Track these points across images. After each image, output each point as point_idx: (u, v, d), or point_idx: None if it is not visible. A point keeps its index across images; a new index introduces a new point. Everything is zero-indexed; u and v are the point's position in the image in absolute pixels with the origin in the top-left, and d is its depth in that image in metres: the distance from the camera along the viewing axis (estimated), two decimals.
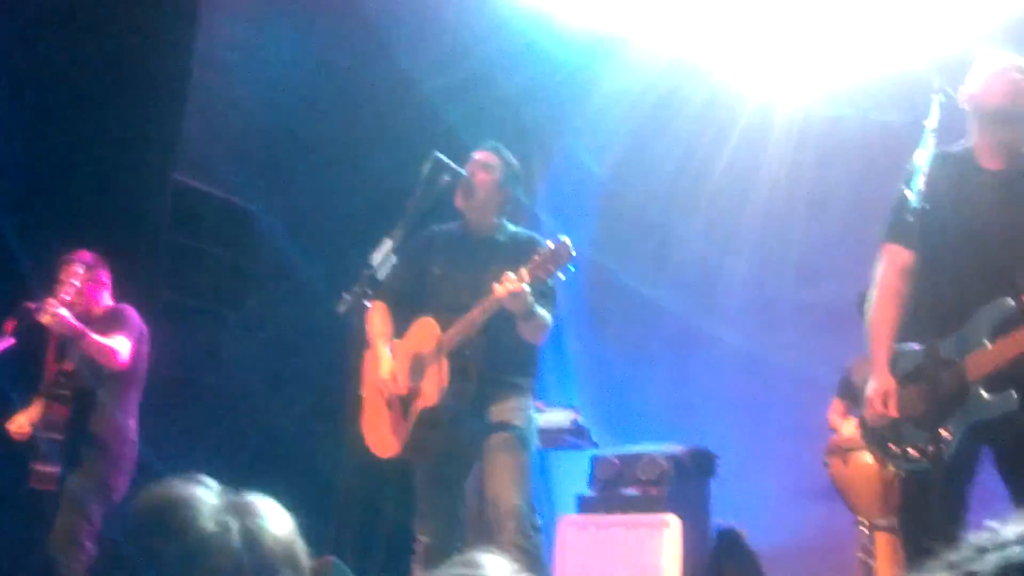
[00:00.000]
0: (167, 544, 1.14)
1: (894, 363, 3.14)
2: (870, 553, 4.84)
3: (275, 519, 1.20)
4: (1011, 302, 2.98)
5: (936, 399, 2.81)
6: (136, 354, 4.64)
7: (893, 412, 3.08)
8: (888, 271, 3.25)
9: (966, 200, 3.09)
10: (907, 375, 3.10)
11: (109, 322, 4.62)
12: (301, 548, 1.20)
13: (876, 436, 3.18)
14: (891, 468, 3.23)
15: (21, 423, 4.61)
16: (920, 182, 2.89)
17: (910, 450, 3.06)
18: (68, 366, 4.52)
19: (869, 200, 4.51)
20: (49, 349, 4.56)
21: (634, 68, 7.15)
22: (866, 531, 4.89)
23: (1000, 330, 2.97)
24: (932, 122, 3.01)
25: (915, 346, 3.11)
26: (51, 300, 4.44)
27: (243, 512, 1.19)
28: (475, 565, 0.90)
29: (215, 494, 1.21)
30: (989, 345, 2.96)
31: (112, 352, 4.50)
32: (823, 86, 6.30)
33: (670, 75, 6.98)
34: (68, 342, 4.51)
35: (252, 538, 1.16)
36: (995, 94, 3.13)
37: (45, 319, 4.41)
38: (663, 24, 6.75)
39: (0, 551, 5.01)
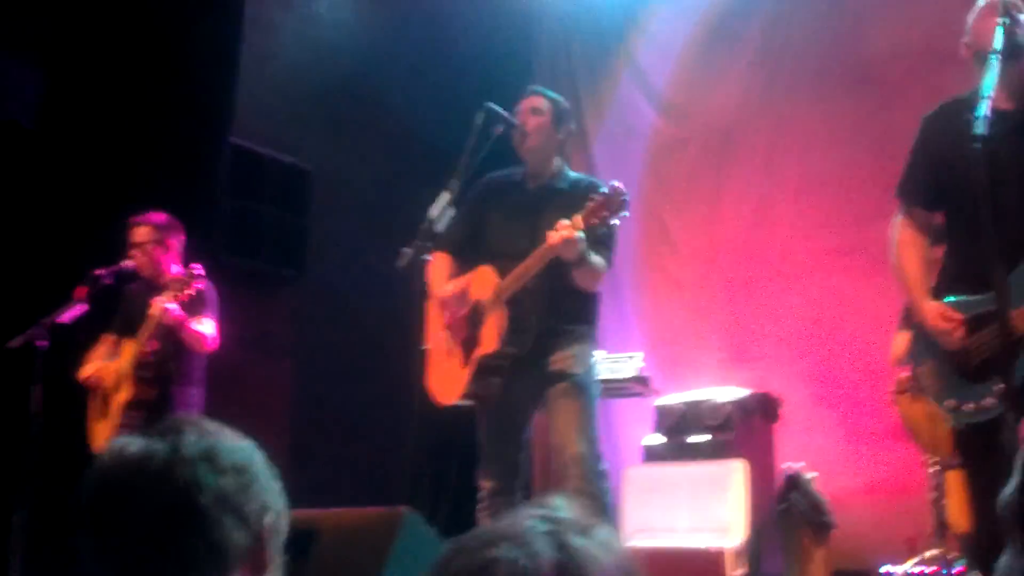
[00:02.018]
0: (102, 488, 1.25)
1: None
2: (941, 492, 4.79)
3: (200, 440, 1.26)
4: None
5: (988, 351, 2.85)
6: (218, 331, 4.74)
7: (958, 321, 3.04)
8: (904, 230, 3.26)
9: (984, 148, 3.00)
10: (969, 322, 3.06)
11: (193, 300, 4.67)
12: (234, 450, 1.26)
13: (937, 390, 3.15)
14: (956, 423, 3.17)
15: (94, 371, 4.73)
16: (987, 107, 2.82)
17: (949, 402, 3.04)
18: (155, 345, 4.60)
19: None
20: (144, 326, 4.61)
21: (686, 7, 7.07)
22: (936, 470, 4.84)
23: None
24: (996, 46, 2.93)
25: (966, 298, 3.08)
26: (159, 297, 4.50)
27: (175, 439, 1.28)
28: (548, 507, 0.90)
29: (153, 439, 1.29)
30: None
31: (204, 339, 4.62)
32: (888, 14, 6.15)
33: (722, 6, 6.88)
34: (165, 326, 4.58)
35: (176, 455, 1.25)
36: (986, 37, 3.06)
37: (155, 313, 4.51)
38: None
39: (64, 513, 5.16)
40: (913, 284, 3.22)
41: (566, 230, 3.48)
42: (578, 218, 3.50)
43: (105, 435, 4.58)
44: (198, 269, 4.52)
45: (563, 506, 0.90)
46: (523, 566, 0.82)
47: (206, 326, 4.64)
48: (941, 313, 3.09)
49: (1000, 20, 2.99)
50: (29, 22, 5.88)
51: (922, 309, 3.16)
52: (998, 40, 2.94)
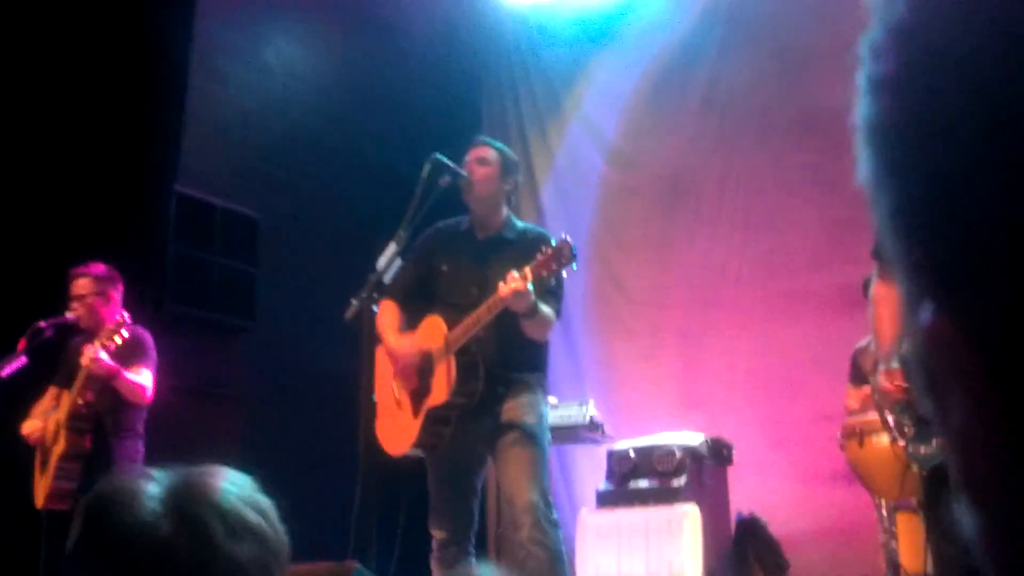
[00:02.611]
0: (101, 540, 1.13)
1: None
2: (892, 535, 4.81)
3: (217, 501, 1.15)
4: None
5: None
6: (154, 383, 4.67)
7: (897, 386, 3.13)
8: (879, 287, 3.35)
9: None
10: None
11: (130, 350, 4.60)
12: (253, 508, 1.14)
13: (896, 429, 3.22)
14: (914, 468, 3.24)
15: (35, 428, 4.65)
16: None
17: (913, 447, 3.10)
18: (89, 396, 4.53)
19: None
20: (77, 378, 4.55)
21: (631, 50, 7.17)
22: (886, 513, 4.87)
23: None
24: None
25: None
26: (91, 346, 4.44)
27: (181, 491, 1.14)
28: None
29: (158, 483, 1.16)
30: None
31: (142, 389, 4.55)
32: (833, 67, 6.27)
33: (668, 57, 6.99)
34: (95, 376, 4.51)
35: (183, 515, 1.12)
36: None
37: (85, 363, 4.44)
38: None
39: (10, 570, 5.03)
40: (881, 340, 3.30)
41: (516, 282, 3.48)
42: (527, 270, 3.51)
43: (45, 488, 4.48)
44: (125, 317, 4.48)
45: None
46: None
47: (143, 376, 4.56)
48: (885, 374, 3.19)
49: None
50: None
51: (879, 368, 3.27)
52: None
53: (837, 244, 6.15)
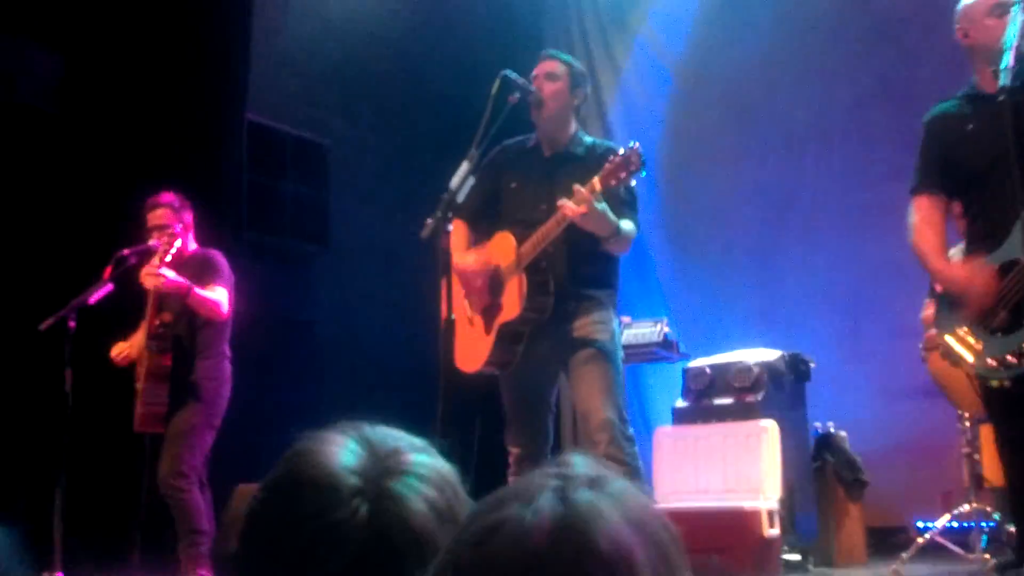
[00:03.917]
0: (293, 528, 1.05)
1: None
2: (975, 447, 4.75)
3: (413, 504, 1.05)
4: None
5: (1015, 299, 2.89)
6: (231, 301, 4.75)
7: (988, 284, 3.05)
8: (920, 214, 3.33)
9: (986, 129, 3.09)
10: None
11: (202, 269, 4.70)
12: (439, 528, 1.04)
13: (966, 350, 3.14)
14: (980, 379, 3.17)
15: (123, 349, 4.79)
16: (1011, 58, 2.82)
17: (990, 360, 3.03)
18: (167, 317, 4.64)
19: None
20: (149, 300, 4.68)
21: None
22: (969, 425, 4.80)
23: None
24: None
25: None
26: (152, 263, 4.53)
27: (381, 495, 1.05)
28: (563, 463, 0.87)
29: (357, 466, 1.07)
30: None
31: (216, 304, 4.63)
32: None
33: None
34: (166, 294, 4.61)
35: (380, 531, 1.03)
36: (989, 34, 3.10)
37: (149, 283, 4.54)
38: None
39: (106, 490, 5.23)
40: (931, 254, 3.28)
41: (580, 200, 3.44)
42: (596, 180, 3.46)
43: (137, 413, 4.63)
44: (180, 233, 4.62)
45: (579, 462, 0.87)
46: (527, 523, 0.78)
47: (217, 292, 4.65)
48: (966, 274, 3.13)
49: None
50: (47, 7, 5.89)
51: (947, 278, 3.21)
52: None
53: (912, 154, 5.96)
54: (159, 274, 4.50)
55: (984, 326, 3.05)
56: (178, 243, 4.63)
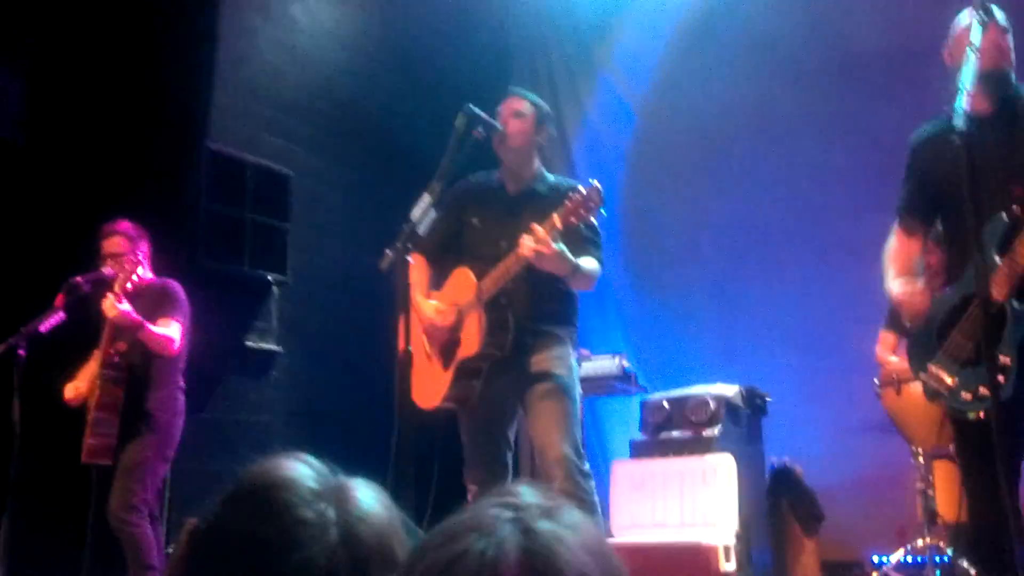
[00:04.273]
0: (262, 527, 1.05)
1: (931, 316, 3.17)
2: (928, 483, 4.80)
3: (374, 510, 1.10)
4: (1004, 215, 3.00)
5: (978, 331, 2.86)
6: (184, 334, 4.70)
7: (922, 302, 3.11)
8: (898, 236, 3.39)
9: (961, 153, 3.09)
10: (943, 322, 3.12)
11: (158, 301, 4.66)
12: (399, 541, 1.09)
13: (930, 387, 3.16)
14: (955, 414, 3.18)
15: (77, 389, 4.72)
16: (965, 102, 2.84)
17: (964, 394, 3.04)
18: (122, 346, 4.59)
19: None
20: (105, 328, 4.62)
21: (663, 1, 7.06)
22: (923, 461, 4.85)
23: (1004, 244, 2.98)
24: (975, 40, 2.94)
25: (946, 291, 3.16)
26: (111, 294, 4.49)
27: (342, 500, 1.09)
28: (511, 494, 0.87)
29: (315, 477, 1.10)
30: (999, 261, 2.96)
31: (168, 341, 4.60)
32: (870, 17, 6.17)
33: (702, 8, 6.88)
34: (120, 326, 4.56)
35: (348, 531, 1.06)
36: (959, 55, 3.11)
37: (109, 314, 4.50)
38: None
39: (54, 522, 5.13)
40: (888, 271, 3.32)
41: (538, 240, 3.45)
42: (556, 217, 3.48)
43: (86, 444, 4.55)
44: (140, 260, 4.59)
45: (527, 492, 0.87)
46: (490, 556, 0.79)
47: (171, 328, 4.61)
48: (908, 286, 3.19)
49: (978, 17, 3.00)
50: (9, 33, 5.84)
51: (891, 289, 3.27)
52: (975, 35, 2.95)
53: (874, 194, 6.04)
54: (117, 307, 4.46)
55: (954, 359, 3.08)
56: (140, 270, 4.58)
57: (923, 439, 4.75)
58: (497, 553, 0.79)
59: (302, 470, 1.11)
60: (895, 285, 3.28)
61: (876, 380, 4.98)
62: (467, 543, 0.81)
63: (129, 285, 4.52)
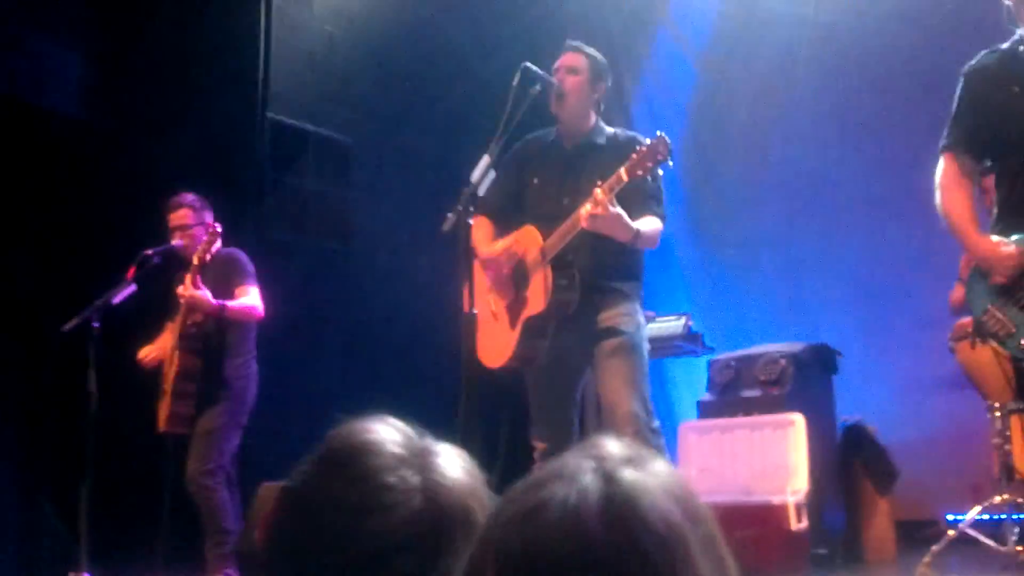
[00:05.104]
0: (347, 491, 1.06)
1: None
2: (1006, 438, 4.68)
3: (458, 476, 1.10)
4: None
5: None
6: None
7: (1012, 251, 2.97)
8: (948, 177, 3.16)
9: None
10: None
11: (228, 270, 4.73)
12: (482, 507, 1.08)
13: (1000, 332, 3.05)
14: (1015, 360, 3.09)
15: (150, 351, 4.82)
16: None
17: (1022, 341, 2.95)
18: (198, 317, 4.68)
19: None
20: (179, 303, 4.70)
21: None
22: (999, 415, 4.73)
23: None
24: None
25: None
26: (185, 284, 4.58)
27: (425, 467, 1.09)
28: (595, 446, 0.87)
29: (400, 441, 1.11)
30: None
31: (251, 309, 4.72)
32: None
33: None
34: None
35: (432, 497, 1.06)
36: None
37: (183, 301, 4.60)
38: None
39: (132, 490, 5.25)
40: (961, 223, 3.16)
41: (597, 204, 3.40)
42: (623, 171, 3.43)
43: (164, 412, 4.66)
44: (217, 227, 4.61)
45: (611, 443, 0.87)
46: (572, 503, 0.79)
47: (250, 296, 4.69)
48: (995, 246, 3.03)
49: None
50: (66, 8, 5.92)
51: (975, 244, 3.10)
52: None
53: (935, 145, 5.89)
54: (192, 294, 4.55)
55: (1016, 303, 2.99)
56: (214, 246, 4.62)
57: (999, 393, 4.63)
58: (579, 500, 0.79)
59: (388, 434, 1.12)
60: (977, 242, 3.12)
61: (950, 335, 4.86)
62: (550, 491, 0.81)
63: (208, 257, 4.56)
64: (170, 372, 4.69)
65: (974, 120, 3.14)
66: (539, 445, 3.84)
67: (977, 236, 3.13)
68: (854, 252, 6.19)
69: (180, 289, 4.59)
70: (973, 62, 3.16)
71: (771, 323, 6.09)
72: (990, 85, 3.08)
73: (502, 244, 3.82)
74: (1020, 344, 2.97)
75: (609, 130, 3.95)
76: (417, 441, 1.12)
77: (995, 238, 3.09)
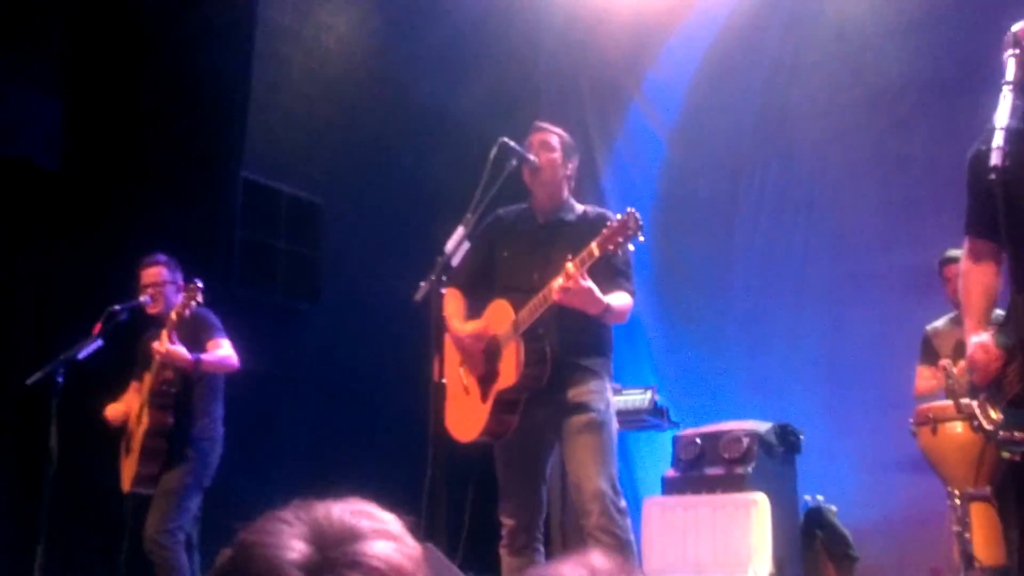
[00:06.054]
0: None
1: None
2: (965, 525, 4.71)
3: (384, 558, 1.03)
4: None
5: None
6: None
7: (996, 360, 2.98)
8: (967, 260, 3.21)
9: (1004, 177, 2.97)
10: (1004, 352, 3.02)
11: (196, 326, 4.71)
12: None
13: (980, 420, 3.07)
14: (1004, 454, 3.09)
15: (117, 410, 4.80)
16: (999, 139, 2.79)
17: (1003, 432, 2.97)
18: (169, 375, 4.64)
19: (946, 163, 4.38)
20: (151, 359, 4.67)
21: (693, 30, 7.08)
22: (959, 502, 4.77)
23: None
24: (1009, 77, 2.91)
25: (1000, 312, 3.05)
26: (160, 340, 4.54)
27: (341, 562, 1.02)
28: (585, 558, 0.86)
29: (298, 564, 1.02)
30: None
31: (227, 359, 4.70)
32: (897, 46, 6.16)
33: (731, 37, 6.89)
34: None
35: None
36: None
37: (159, 357, 4.57)
38: None
39: (88, 548, 5.15)
40: (969, 313, 3.16)
41: (568, 278, 3.44)
42: (594, 246, 3.47)
43: (131, 471, 4.60)
44: (198, 282, 4.56)
45: (599, 558, 0.87)
46: None
47: (224, 348, 4.68)
48: (982, 346, 3.04)
49: (1010, 52, 2.96)
50: (45, 58, 5.93)
51: (968, 341, 3.12)
52: (1010, 72, 2.91)
53: (903, 225, 6.03)
54: (167, 350, 4.52)
55: (1003, 395, 3.01)
56: (192, 303, 4.54)
57: (960, 480, 4.67)
58: None
59: (287, 556, 1.03)
60: (971, 339, 3.06)
61: (911, 419, 4.91)
62: None
63: (188, 312, 4.53)
64: (137, 430, 4.64)
65: (978, 204, 3.11)
66: (508, 522, 3.81)
67: (973, 335, 3.07)
68: (819, 332, 6.26)
69: (156, 345, 4.55)
70: (974, 148, 3.21)
71: (736, 399, 6.12)
72: (978, 168, 3.12)
73: (473, 326, 3.83)
74: (1000, 434, 2.99)
75: (579, 207, 4.01)
76: (326, 553, 1.03)
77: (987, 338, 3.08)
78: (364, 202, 6.63)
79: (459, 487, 5.52)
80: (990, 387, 3.00)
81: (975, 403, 3.02)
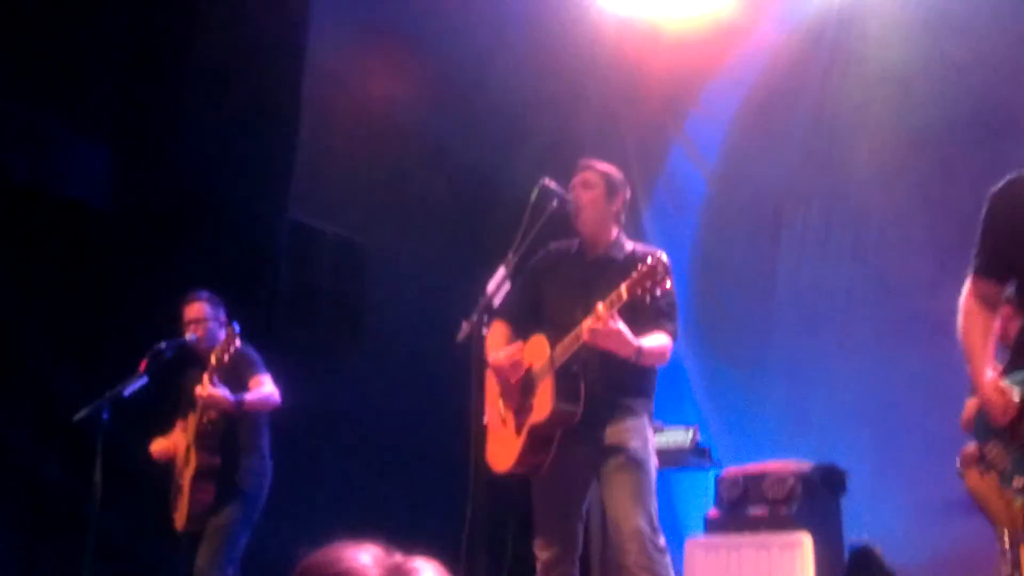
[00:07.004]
0: None
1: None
2: (1016, 567, 4.62)
3: None
4: None
5: None
6: None
7: (1009, 397, 2.94)
8: (970, 299, 3.17)
9: None
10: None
11: (237, 365, 4.76)
12: None
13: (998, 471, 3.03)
14: (1017, 503, 3.04)
15: (163, 445, 4.87)
16: None
17: (1015, 479, 2.93)
18: (213, 415, 4.69)
19: None
20: (196, 400, 4.72)
21: (736, 71, 7.10)
22: (1008, 545, 4.68)
23: None
24: None
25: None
26: (203, 383, 4.59)
27: None
28: None
29: (372, 566, 1.12)
30: None
31: (269, 397, 4.76)
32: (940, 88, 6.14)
33: (774, 78, 6.90)
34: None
35: None
36: None
37: (201, 401, 4.62)
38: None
39: None
40: (973, 354, 3.12)
41: (598, 319, 3.44)
42: (623, 289, 3.47)
43: (183, 511, 4.65)
44: (235, 327, 4.61)
45: None
46: None
47: (265, 385, 4.73)
48: (996, 386, 3.00)
49: None
50: (96, 102, 6.09)
51: (979, 382, 3.06)
52: None
53: (948, 267, 5.92)
54: (209, 394, 4.57)
55: (1014, 440, 2.97)
56: (232, 348, 4.58)
57: (1008, 522, 4.59)
58: None
59: (361, 560, 1.12)
60: (982, 382, 3.04)
61: (958, 460, 4.84)
62: None
63: (227, 358, 4.58)
64: (186, 471, 4.71)
65: (993, 243, 3.11)
66: (542, 555, 3.81)
67: (983, 373, 3.05)
68: (864, 372, 6.19)
69: (198, 389, 4.61)
70: (1000, 184, 3.18)
71: (778, 439, 6.06)
72: (1010, 208, 3.06)
73: (507, 352, 3.84)
74: (1017, 483, 2.95)
75: (629, 246, 4.00)
76: (391, 561, 1.13)
77: (1005, 382, 3.05)
78: (408, 245, 6.70)
79: (499, 528, 5.54)
80: (1005, 430, 2.96)
81: (986, 446, 2.98)
